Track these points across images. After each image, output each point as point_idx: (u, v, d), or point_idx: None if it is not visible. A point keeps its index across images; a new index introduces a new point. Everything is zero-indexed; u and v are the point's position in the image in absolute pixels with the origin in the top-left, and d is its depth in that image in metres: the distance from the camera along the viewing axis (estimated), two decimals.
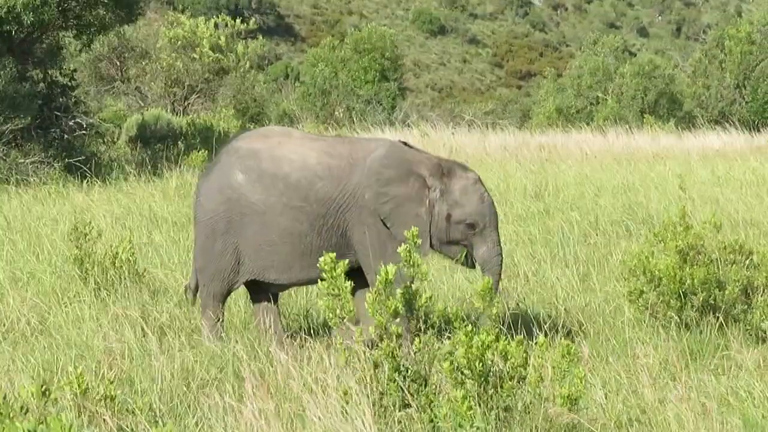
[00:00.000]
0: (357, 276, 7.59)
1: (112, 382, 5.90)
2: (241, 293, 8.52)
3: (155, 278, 9.82)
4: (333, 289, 5.97)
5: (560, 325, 8.07)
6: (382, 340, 5.74)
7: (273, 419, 5.88)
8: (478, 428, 5.35)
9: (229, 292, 8.02)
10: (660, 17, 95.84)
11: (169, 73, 29.38)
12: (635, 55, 49.56)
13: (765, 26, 36.06)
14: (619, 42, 43.87)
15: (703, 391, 6.67)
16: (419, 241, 6.22)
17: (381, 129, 27.46)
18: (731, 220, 12.40)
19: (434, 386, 5.72)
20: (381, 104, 36.83)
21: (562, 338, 7.38)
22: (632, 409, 6.37)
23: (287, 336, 7.97)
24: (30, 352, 7.61)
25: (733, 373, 7.11)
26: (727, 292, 8.05)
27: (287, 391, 6.31)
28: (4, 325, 8.42)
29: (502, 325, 7.38)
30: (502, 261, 7.90)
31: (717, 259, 8.29)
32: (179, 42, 29.26)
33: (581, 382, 5.61)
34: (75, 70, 22.05)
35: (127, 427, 5.86)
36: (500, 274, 7.91)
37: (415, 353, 5.78)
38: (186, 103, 29.91)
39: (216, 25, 30.34)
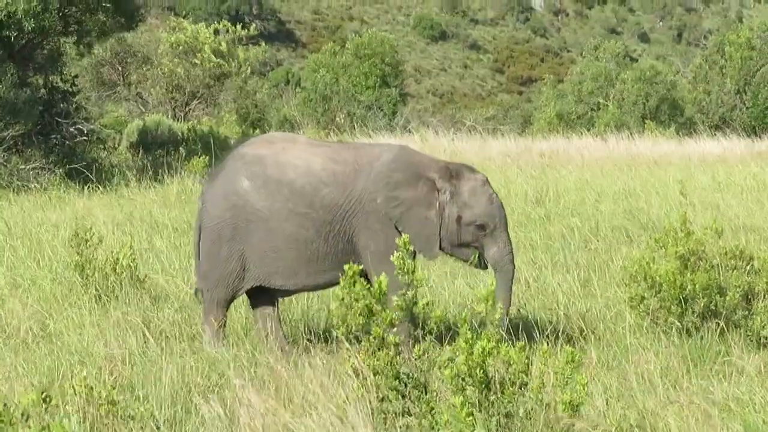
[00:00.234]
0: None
1: (113, 388, 5.90)
2: (241, 299, 8.52)
3: (156, 284, 9.82)
4: (348, 299, 5.96)
5: (561, 331, 8.07)
6: (380, 349, 5.73)
7: (272, 426, 5.87)
8: None
9: (233, 299, 8.01)
10: (661, 23, 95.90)
11: (170, 79, 29.40)
12: (636, 61, 49.62)
13: (765, 32, 36.07)
14: (620, 48, 43.90)
15: (705, 396, 6.66)
16: (411, 248, 6.21)
17: (382, 135, 27.48)
18: (732, 226, 12.40)
19: (435, 393, 5.71)
20: (382, 110, 36.84)
21: (564, 344, 7.38)
22: (633, 415, 6.36)
23: (288, 342, 7.96)
24: (31, 358, 7.61)
25: (734, 379, 7.10)
26: (728, 297, 8.04)
27: (287, 398, 6.31)
28: (5, 331, 8.42)
29: (503, 331, 7.39)
30: (513, 260, 7.92)
31: (718, 264, 8.28)
32: (180, 47, 29.27)
33: (583, 389, 5.61)
34: (76, 76, 22.08)
35: None
36: (513, 273, 7.93)
37: (415, 360, 5.77)
38: (187, 109, 29.94)
39: (217, 31, 30.35)
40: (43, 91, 20.11)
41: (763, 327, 7.97)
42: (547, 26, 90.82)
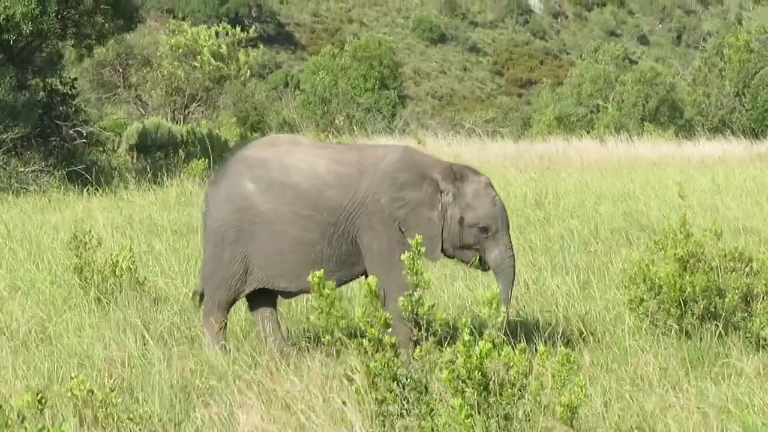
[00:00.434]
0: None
1: (112, 390, 5.90)
2: (240, 301, 8.52)
3: (155, 286, 9.82)
4: (324, 306, 5.95)
5: (560, 333, 8.07)
6: (377, 350, 5.73)
7: (271, 428, 5.88)
8: None
9: (234, 301, 8.01)
10: (660, 25, 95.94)
11: (170, 82, 29.42)
12: (636, 63, 49.63)
13: (763, 35, 36.10)
14: (619, 50, 43.94)
15: (704, 398, 6.66)
16: (423, 249, 6.20)
17: (381, 137, 27.49)
18: (731, 228, 12.40)
19: (434, 395, 5.71)
20: (381, 112, 36.86)
21: (562, 346, 7.39)
22: (632, 417, 6.36)
23: (288, 344, 7.96)
24: (30, 360, 7.61)
25: (733, 381, 7.10)
26: (727, 299, 8.04)
27: (286, 400, 6.31)
28: (4, 333, 8.41)
29: (503, 334, 7.39)
30: (514, 263, 7.91)
31: (717, 266, 8.28)
32: (180, 50, 29.29)
33: (581, 391, 5.61)
34: (75, 79, 22.10)
35: None
36: (514, 276, 7.93)
37: (415, 362, 5.77)
38: (186, 112, 29.95)
39: (217, 34, 30.38)
40: (42, 93, 20.12)
41: (762, 328, 7.97)
42: (546, 29, 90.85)
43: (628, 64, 45.07)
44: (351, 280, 8.02)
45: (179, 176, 18.69)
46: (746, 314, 8.06)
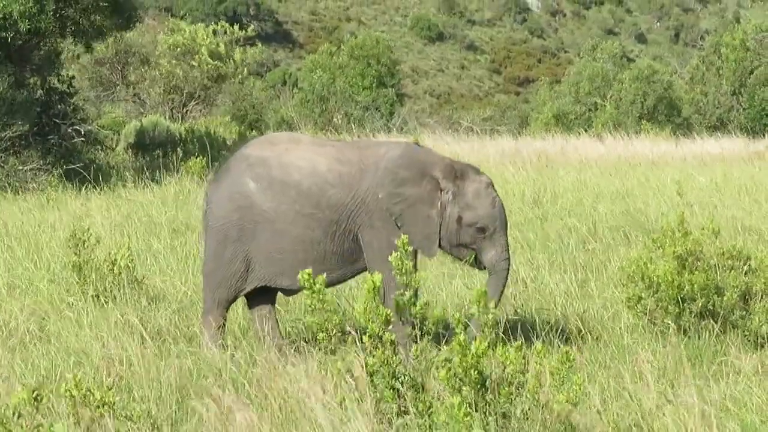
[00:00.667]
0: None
1: (110, 389, 5.90)
2: (238, 300, 8.52)
3: (154, 285, 9.82)
4: (318, 304, 5.95)
5: (558, 331, 8.07)
6: (376, 348, 5.73)
7: (269, 427, 5.88)
8: None
9: (234, 300, 8.02)
10: (658, 23, 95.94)
11: (168, 80, 29.40)
12: (633, 62, 49.63)
13: (759, 34, 36.10)
14: (617, 48, 43.97)
15: (702, 396, 6.66)
16: (410, 249, 6.20)
17: (379, 135, 27.48)
18: (729, 226, 12.40)
19: (432, 393, 5.71)
20: (379, 111, 36.85)
21: (560, 344, 7.39)
22: (630, 415, 6.36)
23: (286, 342, 7.96)
24: (28, 358, 7.61)
25: (731, 379, 7.11)
26: (725, 297, 8.05)
27: (284, 398, 6.31)
28: (2, 331, 8.41)
29: (500, 331, 7.39)
30: (509, 265, 7.92)
31: (715, 265, 8.28)
32: (179, 49, 29.28)
33: (579, 388, 5.61)
34: (73, 77, 22.07)
35: None
36: (507, 278, 7.94)
37: (413, 360, 5.77)
38: (185, 110, 29.94)
39: (215, 32, 30.36)
40: (40, 92, 20.11)
41: (761, 327, 7.98)
42: (544, 27, 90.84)
43: (626, 62, 45.10)
44: (353, 277, 8.04)
45: (177, 174, 18.68)
46: (744, 312, 8.06)
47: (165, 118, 27.40)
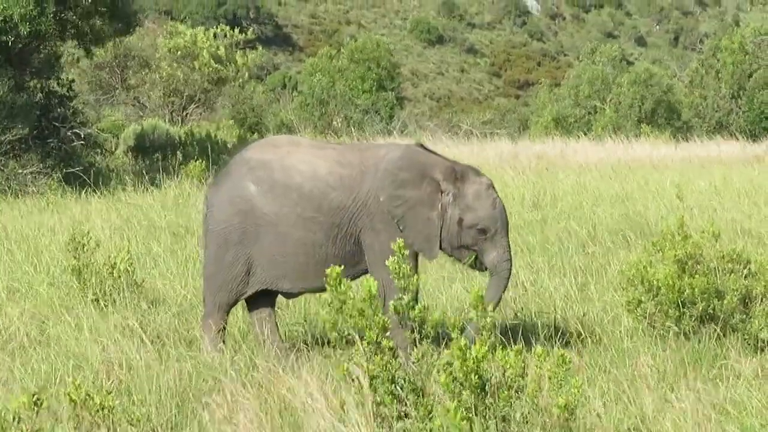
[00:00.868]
0: None
1: (110, 393, 5.89)
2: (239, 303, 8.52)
3: (153, 288, 9.81)
4: (337, 303, 5.94)
5: (558, 335, 8.06)
6: (375, 353, 5.73)
7: (270, 430, 5.87)
8: None
9: (235, 303, 8.01)
10: (658, 26, 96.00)
11: (168, 83, 29.41)
12: (633, 65, 49.65)
13: (758, 37, 36.11)
14: (616, 51, 43.98)
15: (702, 400, 6.66)
16: (406, 253, 6.19)
17: (379, 139, 27.48)
18: (729, 230, 12.40)
19: (432, 397, 5.71)
20: (379, 114, 36.86)
21: (560, 348, 7.38)
22: (630, 418, 6.36)
23: (286, 346, 7.96)
24: (28, 362, 7.60)
25: (731, 382, 7.10)
26: (725, 301, 8.04)
27: (285, 402, 6.31)
28: (2, 335, 8.41)
29: (498, 334, 7.39)
30: (511, 267, 7.92)
31: (715, 268, 8.28)
32: (179, 52, 29.28)
33: (578, 391, 5.61)
34: (73, 80, 22.08)
35: None
36: (508, 280, 7.94)
37: (413, 364, 5.77)
38: (184, 113, 29.94)
39: (215, 35, 30.37)
40: (40, 95, 20.11)
41: (761, 330, 7.98)
42: (544, 30, 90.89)
43: (625, 65, 45.11)
44: (355, 278, 8.03)
45: (177, 178, 18.67)
46: (744, 316, 8.06)
47: (165, 121, 27.41)
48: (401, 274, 6.02)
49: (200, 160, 19.68)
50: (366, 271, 7.82)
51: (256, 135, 30.25)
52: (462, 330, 5.61)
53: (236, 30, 31.42)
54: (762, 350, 7.92)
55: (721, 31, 64.28)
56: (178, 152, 22.39)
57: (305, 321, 8.79)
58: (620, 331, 8.32)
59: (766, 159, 24.05)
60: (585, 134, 32.26)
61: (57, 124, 19.94)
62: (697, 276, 8.12)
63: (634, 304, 8.32)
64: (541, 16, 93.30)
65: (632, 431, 6.21)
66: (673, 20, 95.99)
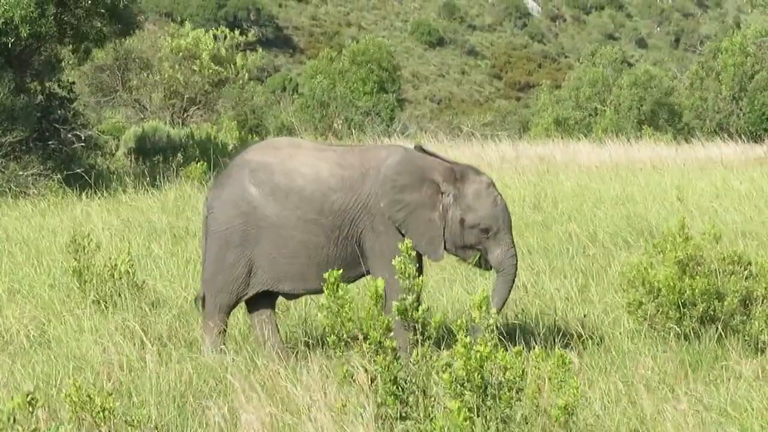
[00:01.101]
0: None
1: (110, 394, 5.90)
2: (239, 305, 8.52)
3: (154, 290, 9.81)
4: (334, 306, 5.95)
5: (559, 337, 8.07)
6: (377, 353, 5.73)
7: (272, 431, 5.88)
8: None
9: (235, 305, 8.02)
10: (658, 28, 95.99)
11: (169, 85, 29.40)
12: (633, 66, 49.65)
13: (759, 39, 36.10)
14: (617, 53, 43.96)
15: (702, 401, 6.66)
16: (413, 254, 6.20)
17: (379, 141, 27.49)
18: (730, 232, 12.40)
19: (433, 398, 5.72)
20: (379, 116, 36.86)
21: (560, 349, 7.38)
22: (631, 420, 6.36)
23: (287, 347, 7.96)
24: (29, 364, 7.60)
25: (731, 384, 7.10)
26: (726, 302, 8.05)
27: (286, 403, 6.31)
28: (3, 337, 8.41)
29: (502, 336, 7.39)
30: (516, 263, 7.93)
31: (716, 270, 8.29)
32: (180, 54, 29.27)
33: (577, 392, 5.61)
34: (73, 83, 22.07)
35: None
36: (515, 276, 7.95)
37: (414, 364, 5.77)
38: (185, 115, 29.93)
39: (215, 37, 30.35)
40: (40, 97, 20.10)
41: (761, 332, 7.98)
42: (544, 32, 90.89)
43: (626, 67, 45.11)
44: (357, 280, 8.04)
45: (178, 180, 18.67)
46: (745, 317, 8.07)
47: (165, 123, 27.39)
48: (406, 275, 6.02)
49: (201, 162, 19.67)
50: (367, 273, 7.83)
51: (256, 137, 30.23)
52: (468, 330, 5.62)
53: (237, 32, 31.38)
54: (762, 352, 7.92)
55: (721, 32, 64.28)
56: (178, 154, 22.37)
57: (305, 323, 8.79)
58: (621, 333, 8.32)
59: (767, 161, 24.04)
60: (585, 136, 32.25)
61: (57, 126, 19.92)
62: (697, 278, 8.13)
63: (635, 305, 8.32)
64: (541, 17, 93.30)
65: None
66: (673, 22, 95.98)
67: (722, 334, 7.95)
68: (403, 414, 5.67)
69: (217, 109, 31.57)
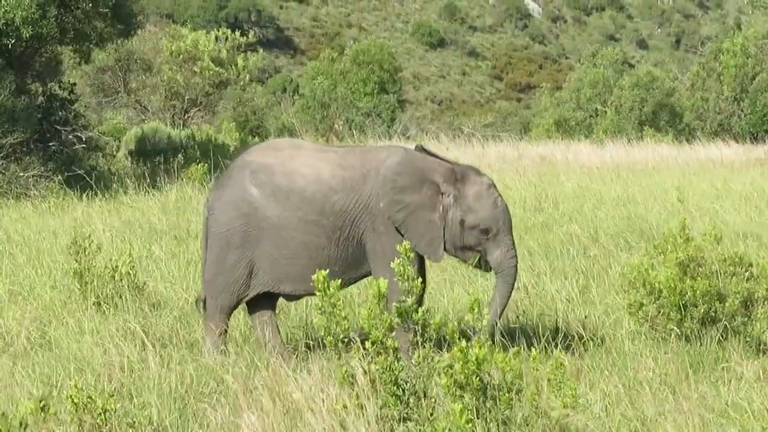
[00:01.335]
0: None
1: (111, 396, 5.90)
2: (240, 306, 8.52)
3: (155, 291, 9.81)
4: (328, 307, 5.94)
5: (560, 338, 8.06)
6: (379, 354, 5.73)
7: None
8: None
9: (236, 306, 8.02)
10: (659, 29, 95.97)
11: (169, 86, 29.39)
12: (634, 68, 49.64)
13: (761, 40, 36.08)
14: (618, 54, 43.94)
15: (703, 403, 6.66)
16: (411, 255, 6.20)
17: (380, 142, 27.48)
18: (731, 232, 12.40)
19: (434, 399, 5.71)
20: (380, 117, 36.85)
21: (561, 351, 7.38)
22: (632, 421, 6.36)
23: (287, 348, 7.96)
24: (30, 366, 7.60)
25: (733, 385, 7.10)
26: (727, 304, 8.05)
27: (286, 404, 6.30)
28: (4, 339, 8.41)
29: (503, 337, 7.40)
30: (516, 265, 7.93)
31: (717, 271, 8.28)
32: (181, 55, 29.27)
33: (575, 394, 5.61)
34: (74, 84, 22.06)
35: None
36: (515, 278, 7.95)
37: (414, 366, 5.77)
38: (186, 116, 29.92)
39: (216, 39, 30.36)
40: (41, 98, 20.10)
41: (763, 333, 7.98)
42: (545, 33, 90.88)
43: (626, 68, 45.09)
44: (359, 280, 8.04)
45: (178, 181, 18.67)
46: (746, 319, 8.06)
47: (166, 124, 27.39)
48: (406, 277, 6.02)
49: (201, 164, 19.66)
50: (369, 274, 7.83)
51: (257, 138, 30.23)
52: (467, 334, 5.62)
53: (237, 33, 31.38)
54: (764, 353, 7.92)
55: (722, 34, 64.28)
56: (179, 155, 22.35)
57: (306, 324, 8.78)
58: (622, 334, 8.32)
59: None
60: (586, 137, 32.24)
61: (58, 127, 19.92)
62: (698, 279, 8.13)
63: (636, 306, 8.32)
64: (542, 19, 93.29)
65: None
66: (674, 23, 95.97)
67: (723, 335, 7.95)
68: (405, 415, 5.66)
69: (217, 111, 31.57)
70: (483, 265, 7.92)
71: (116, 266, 9.53)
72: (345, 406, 5.71)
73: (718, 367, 7.55)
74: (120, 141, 24.84)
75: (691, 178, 19.12)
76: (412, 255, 6.23)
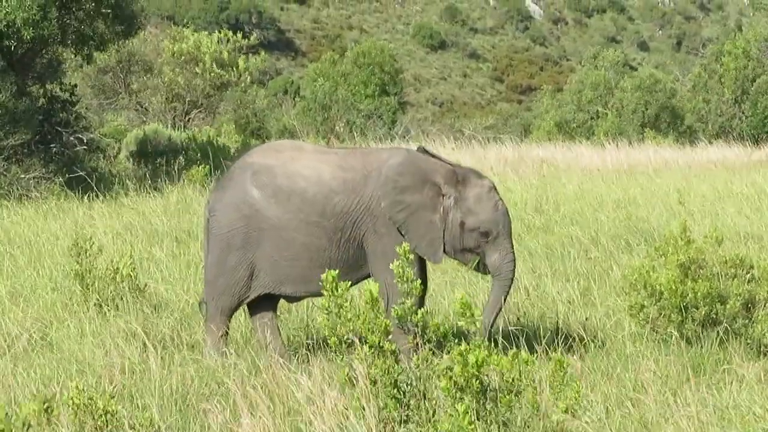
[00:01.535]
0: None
1: (113, 397, 5.90)
2: (241, 308, 8.52)
3: (156, 293, 9.81)
4: (334, 308, 5.94)
5: (560, 340, 8.06)
6: (377, 357, 5.73)
7: None
8: None
9: (237, 307, 8.02)
10: (660, 31, 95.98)
11: (170, 88, 29.40)
12: (635, 70, 49.66)
13: (763, 42, 36.09)
14: (619, 56, 43.96)
15: (704, 405, 6.66)
16: (411, 257, 6.20)
17: (381, 144, 27.49)
18: (732, 235, 12.40)
19: (434, 401, 5.71)
20: (381, 119, 36.87)
21: (562, 352, 7.38)
22: (633, 423, 6.35)
23: (288, 351, 7.96)
24: (31, 367, 7.60)
25: (734, 387, 7.10)
26: (728, 306, 8.05)
27: (287, 406, 6.31)
28: (5, 340, 8.41)
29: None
30: (514, 269, 7.93)
31: (718, 273, 8.28)
32: (182, 57, 29.27)
33: (577, 396, 5.61)
34: (75, 86, 22.07)
35: None
36: (511, 282, 7.95)
37: (414, 368, 5.77)
38: (187, 118, 29.93)
39: (218, 40, 30.37)
40: (42, 100, 20.11)
41: (764, 335, 7.97)
42: (546, 35, 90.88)
43: (627, 70, 45.11)
44: (360, 282, 8.03)
45: (179, 183, 18.67)
46: (747, 321, 8.06)
47: (167, 126, 27.40)
48: (405, 278, 6.02)
49: (202, 165, 19.66)
50: (370, 275, 7.83)
51: (258, 140, 30.23)
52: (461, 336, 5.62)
53: (239, 35, 31.38)
54: (765, 355, 7.92)
55: (723, 36, 64.27)
56: (180, 157, 22.36)
57: (307, 326, 8.78)
58: (623, 336, 8.32)
59: None
60: (587, 139, 32.24)
61: (59, 128, 19.93)
62: (699, 281, 8.13)
63: (637, 308, 8.32)
64: (543, 20, 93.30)
65: None
66: (675, 25, 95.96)
67: (724, 337, 7.95)
68: (405, 417, 5.66)
69: (218, 113, 31.58)
70: (482, 268, 7.93)
71: (117, 268, 9.53)
72: (345, 408, 5.71)
73: (719, 369, 7.55)
74: (121, 143, 24.84)
75: (692, 180, 19.12)
76: (411, 257, 6.23)
